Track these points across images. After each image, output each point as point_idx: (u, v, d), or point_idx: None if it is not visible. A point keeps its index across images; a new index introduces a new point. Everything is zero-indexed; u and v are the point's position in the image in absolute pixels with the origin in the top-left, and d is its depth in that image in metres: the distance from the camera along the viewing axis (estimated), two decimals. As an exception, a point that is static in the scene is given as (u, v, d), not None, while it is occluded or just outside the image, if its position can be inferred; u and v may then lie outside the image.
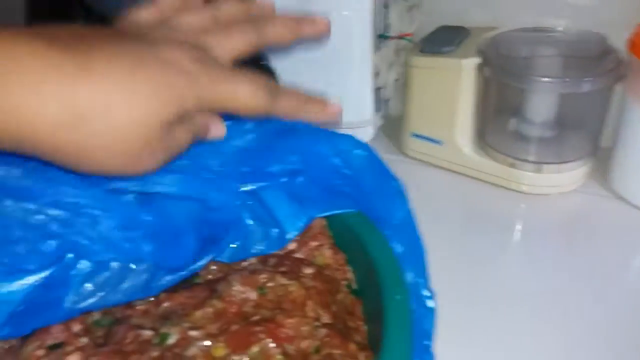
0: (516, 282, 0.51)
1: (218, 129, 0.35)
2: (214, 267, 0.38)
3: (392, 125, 0.70)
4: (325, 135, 0.38)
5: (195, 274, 0.38)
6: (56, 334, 0.33)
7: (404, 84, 0.64)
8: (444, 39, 0.57)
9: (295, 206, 0.37)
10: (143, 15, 0.35)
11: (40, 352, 0.31)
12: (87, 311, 0.33)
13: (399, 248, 0.33)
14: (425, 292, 0.32)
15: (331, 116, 0.37)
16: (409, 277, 0.32)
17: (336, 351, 0.32)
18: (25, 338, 0.33)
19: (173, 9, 0.36)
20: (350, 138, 0.38)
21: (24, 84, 0.26)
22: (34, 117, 0.26)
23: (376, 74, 0.64)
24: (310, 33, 0.38)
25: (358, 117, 0.66)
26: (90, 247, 0.31)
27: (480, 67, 0.55)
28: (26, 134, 0.26)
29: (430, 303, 0.32)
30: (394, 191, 0.35)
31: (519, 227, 0.57)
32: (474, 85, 0.56)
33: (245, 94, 0.32)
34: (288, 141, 0.38)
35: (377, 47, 0.62)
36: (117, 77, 0.28)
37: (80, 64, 0.27)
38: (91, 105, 0.27)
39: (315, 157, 0.38)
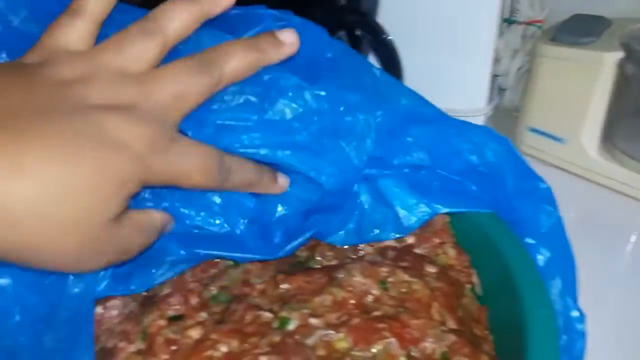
0: (620, 294, 0.47)
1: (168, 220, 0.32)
2: (329, 253, 0.37)
3: (504, 117, 0.66)
4: (457, 126, 0.35)
5: (310, 258, 0.37)
6: (175, 305, 0.32)
7: (526, 74, 0.60)
8: (582, 29, 0.52)
9: (416, 197, 0.35)
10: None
11: (162, 322, 0.31)
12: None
13: (542, 259, 0.30)
14: (574, 313, 0.29)
15: (280, 190, 0.34)
16: (554, 292, 0.29)
17: (465, 360, 0.30)
18: (145, 307, 0.33)
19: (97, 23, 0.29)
20: (486, 130, 0.35)
21: None
22: None
23: (496, 61, 0.60)
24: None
25: (469, 105, 0.62)
26: None
27: (622, 63, 0.50)
28: None
29: (579, 326, 0.29)
30: (541, 194, 0.32)
31: (633, 239, 0.53)
32: (612, 81, 0.51)
33: (198, 175, 0.28)
34: (416, 129, 0.35)
35: (501, 32, 0.58)
36: (53, 172, 0.24)
37: (10, 159, 0.23)
38: (24, 206, 0.23)
39: (444, 148, 0.35)
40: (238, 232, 0.33)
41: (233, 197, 0.33)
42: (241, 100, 0.30)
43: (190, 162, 0.28)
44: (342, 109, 0.32)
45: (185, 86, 0.28)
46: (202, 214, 0.33)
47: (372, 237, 0.36)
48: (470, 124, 0.36)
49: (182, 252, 0.32)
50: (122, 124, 0.26)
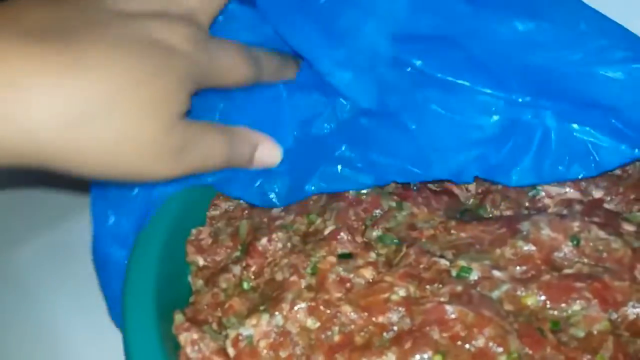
0: None
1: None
2: (502, 203, 0.33)
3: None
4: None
5: (479, 207, 0.34)
6: (345, 243, 0.31)
7: None
8: None
9: (616, 136, 0.30)
10: None
11: (332, 259, 0.30)
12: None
13: None
14: None
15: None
16: None
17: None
18: (308, 243, 0.32)
19: None
20: None
21: (12, 88, 0.23)
22: (32, 122, 0.23)
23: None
24: None
25: None
26: None
27: None
28: (25, 143, 0.23)
29: None
30: None
31: None
32: None
33: (238, 68, 0.30)
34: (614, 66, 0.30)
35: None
36: (116, 72, 0.24)
37: (75, 62, 0.24)
38: (91, 106, 0.24)
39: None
40: None
41: None
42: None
43: (229, 57, 0.30)
44: None
45: None
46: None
47: (556, 176, 0.31)
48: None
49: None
50: (164, 28, 0.27)
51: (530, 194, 0.33)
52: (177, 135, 0.27)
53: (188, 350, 0.28)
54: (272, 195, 0.34)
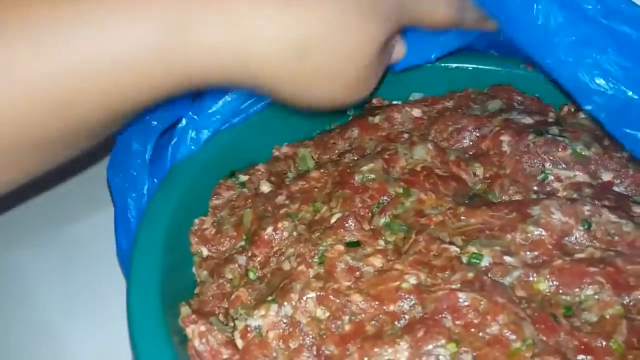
0: None
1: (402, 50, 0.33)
2: (511, 187, 0.33)
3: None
4: None
5: (488, 191, 0.33)
6: (352, 231, 0.30)
7: None
8: None
9: None
10: None
11: (340, 248, 0.29)
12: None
13: None
14: None
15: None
16: None
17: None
18: (314, 231, 0.31)
19: None
20: None
21: (249, 11, 0.24)
22: (258, 48, 0.25)
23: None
24: None
25: None
26: None
27: None
28: (252, 66, 0.25)
29: None
30: None
31: None
32: None
33: (443, 9, 0.31)
34: None
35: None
36: (330, 5, 0.25)
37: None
38: (313, 36, 0.25)
39: None
40: None
41: None
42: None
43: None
44: None
45: None
46: None
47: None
48: None
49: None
50: None
51: (539, 177, 0.33)
52: (374, 66, 0.28)
53: (196, 342, 0.27)
54: None
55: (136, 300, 0.27)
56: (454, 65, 0.40)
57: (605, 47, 0.28)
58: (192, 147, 0.35)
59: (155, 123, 0.36)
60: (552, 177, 0.33)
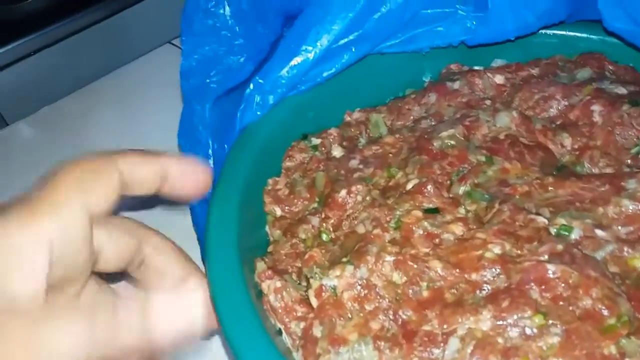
0: None
1: None
2: (602, 160, 0.31)
3: None
4: None
5: (576, 163, 0.31)
6: (432, 197, 0.30)
7: None
8: None
9: None
10: None
11: (418, 214, 0.29)
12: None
13: None
14: None
15: None
16: None
17: None
18: (388, 197, 0.31)
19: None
20: None
21: None
22: None
23: None
24: None
25: None
26: None
27: None
28: None
29: None
30: None
31: None
32: None
33: None
34: None
35: None
36: None
37: None
38: None
39: None
40: None
41: None
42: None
43: None
44: None
45: None
46: None
47: None
48: None
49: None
50: None
51: (633, 150, 0.31)
52: None
53: (271, 298, 0.28)
54: None
55: (215, 254, 0.27)
56: (541, 31, 0.38)
57: None
58: (258, 113, 0.34)
59: (214, 86, 0.36)
60: (648, 150, 0.31)
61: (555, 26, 0.38)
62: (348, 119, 0.38)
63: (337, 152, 0.35)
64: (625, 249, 0.26)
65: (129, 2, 0.58)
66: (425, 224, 0.28)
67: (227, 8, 0.37)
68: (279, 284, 0.28)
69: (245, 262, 0.28)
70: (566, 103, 0.34)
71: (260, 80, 0.34)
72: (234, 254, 0.27)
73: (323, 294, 0.27)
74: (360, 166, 0.33)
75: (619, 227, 0.27)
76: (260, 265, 0.29)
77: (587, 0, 0.34)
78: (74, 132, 0.54)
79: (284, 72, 0.34)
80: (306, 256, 0.29)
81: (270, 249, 0.31)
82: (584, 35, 0.38)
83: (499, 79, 0.36)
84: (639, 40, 0.31)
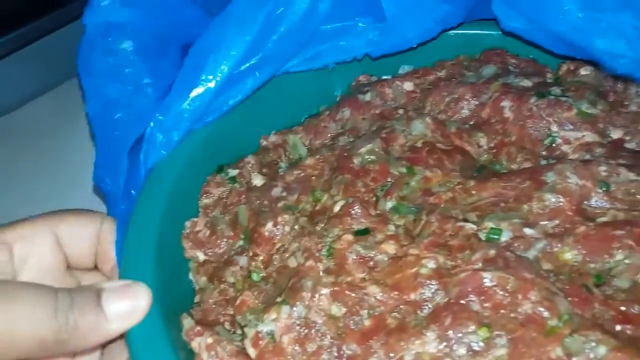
0: None
1: None
2: (518, 155, 0.31)
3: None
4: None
5: (495, 162, 0.32)
6: (360, 218, 0.28)
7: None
8: None
9: None
10: None
11: (349, 238, 0.27)
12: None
13: None
14: None
15: None
16: None
17: None
18: (317, 222, 0.29)
19: None
20: None
21: None
22: None
23: None
24: None
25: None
26: None
27: None
28: None
29: None
30: None
31: None
32: None
33: None
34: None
35: None
36: None
37: None
38: None
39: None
40: None
41: None
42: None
43: None
44: None
45: None
46: None
47: None
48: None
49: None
50: None
51: (546, 141, 0.31)
52: None
53: (204, 356, 0.25)
54: None
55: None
56: (443, 33, 0.38)
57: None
58: (163, 152, 0.31)
59: (123, 134, 0.32)
60: (560, 140, 0.31)
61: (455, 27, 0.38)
62: (265, 143, 0.36)
63: (257, 180, 0.34)
64: (555, 243, 0.26)
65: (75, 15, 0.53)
66: (358, 247, 0.27)
67: (127, 42, 0.34)
68: (210, 340, 0.25)
69: (169, 320, 0.26)
70: (476, 102, 0.34)
71: (160, 117, 0.32)
72: (155, 315, 0.24)
73: (260, 342, 0.25)
74: (284, 194, 0.32)
75: (546, 222, 0.27)
76: (187, 322, 0.26)
77: (482, 1, 0.34)
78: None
79: (185, 105, 0.32)
80: (237, 302, 0.27)
81: (197, 298, 0.29)
82: (485, 32, 0.38)
83: (408, 85, 0.36)
84: (536, 38, 0.32)
